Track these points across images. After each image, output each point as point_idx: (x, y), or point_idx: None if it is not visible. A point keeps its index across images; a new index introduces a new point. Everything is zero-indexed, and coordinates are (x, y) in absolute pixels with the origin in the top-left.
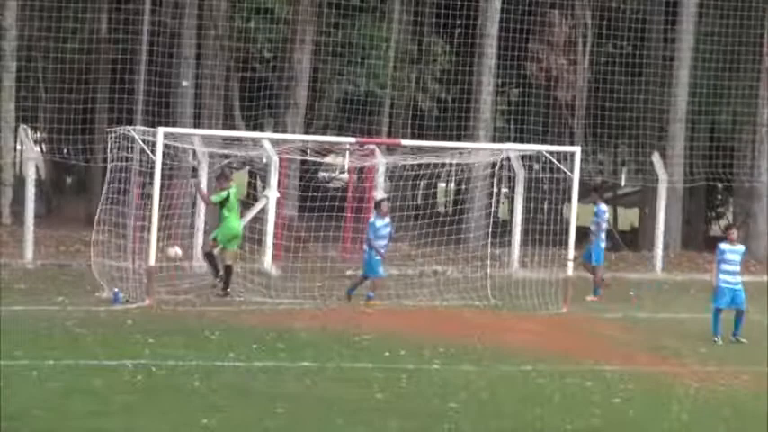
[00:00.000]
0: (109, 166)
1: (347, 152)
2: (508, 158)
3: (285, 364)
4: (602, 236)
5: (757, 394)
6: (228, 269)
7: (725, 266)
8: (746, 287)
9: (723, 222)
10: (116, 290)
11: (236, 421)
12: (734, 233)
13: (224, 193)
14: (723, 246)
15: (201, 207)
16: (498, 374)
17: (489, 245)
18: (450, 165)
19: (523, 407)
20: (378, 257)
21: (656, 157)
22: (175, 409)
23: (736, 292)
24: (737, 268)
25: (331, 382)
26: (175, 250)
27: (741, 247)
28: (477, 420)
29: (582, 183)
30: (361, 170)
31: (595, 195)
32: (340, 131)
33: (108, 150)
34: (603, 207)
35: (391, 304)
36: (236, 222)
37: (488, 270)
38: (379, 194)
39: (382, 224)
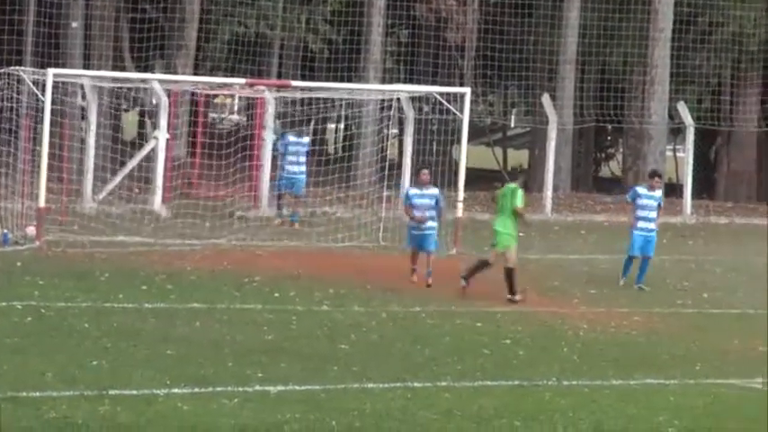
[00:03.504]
0: None
1: (236, 93)
2: (398, 99)
3: (175, 306)
4: (285, 166)
5: (648, 335)
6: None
7: (640, 212)
8: None
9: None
10: (5, 231)
11: (126, 363)
12: (659, 181)
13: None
14: (640, 189)
15: (91, 148)
16: (388, 316)
17: (385, 187)
18: (341, 106)
19: (413, 348)
20: (414, 231)
21: (545, 99)
22: (65, 350)
23: (648, 239)
24: (652, 214)
25: (221, 324)
26: (31, 229)
27: (658, 194)
28: (367, 362)
29: (472, 124)
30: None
31: (277, 124)
32: (230, 73)
33: None
34: (291, 138)
35: (280, 245)
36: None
37: (382, 213)
38: (269, 135)
39: (416, 193)
